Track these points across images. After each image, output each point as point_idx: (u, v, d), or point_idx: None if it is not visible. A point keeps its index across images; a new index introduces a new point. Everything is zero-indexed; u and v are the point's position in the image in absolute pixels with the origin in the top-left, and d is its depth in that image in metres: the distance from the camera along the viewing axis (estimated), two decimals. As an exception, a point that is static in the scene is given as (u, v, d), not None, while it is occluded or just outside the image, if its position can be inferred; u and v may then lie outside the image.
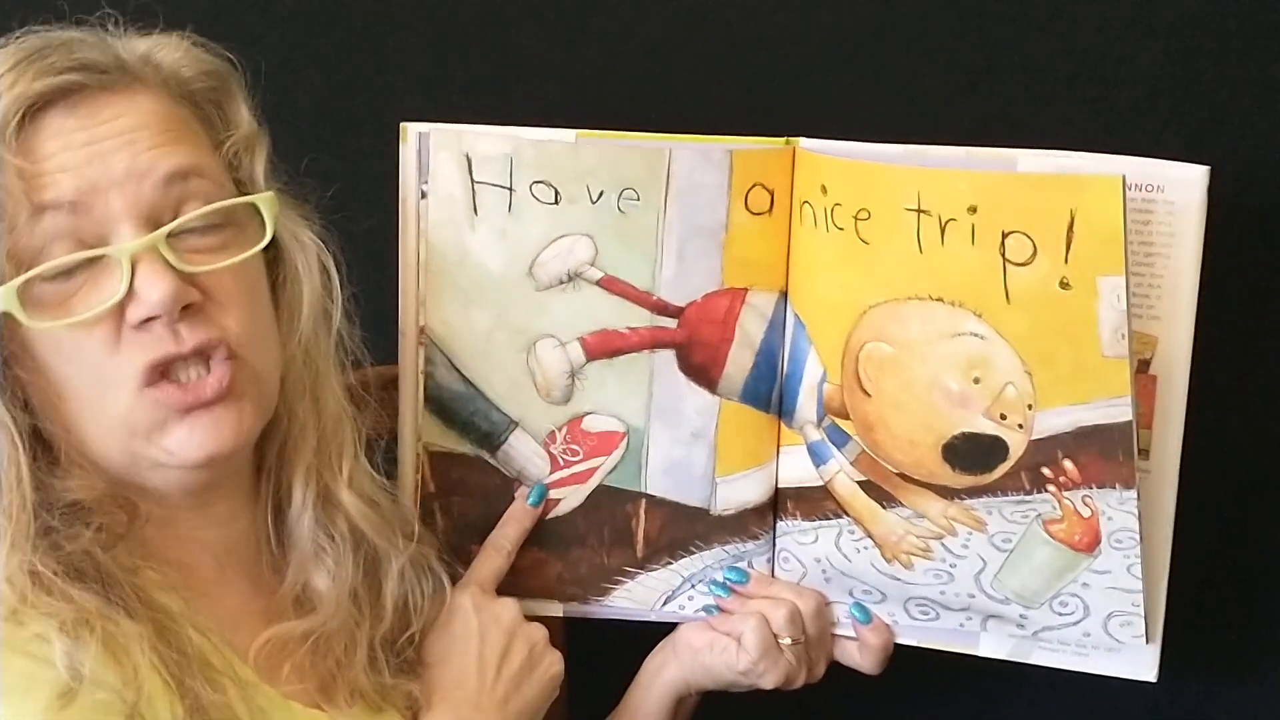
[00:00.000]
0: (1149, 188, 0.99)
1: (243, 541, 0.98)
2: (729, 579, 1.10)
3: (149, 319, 0.87)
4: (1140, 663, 1.08)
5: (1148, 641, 1.06)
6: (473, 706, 1.00)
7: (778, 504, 1.10)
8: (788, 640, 1.07)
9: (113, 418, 0.89)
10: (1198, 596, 1.13)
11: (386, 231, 1.05)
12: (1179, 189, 0.99)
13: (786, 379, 1.07)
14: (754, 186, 1.02)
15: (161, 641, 0.87)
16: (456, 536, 1.10)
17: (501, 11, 1.20)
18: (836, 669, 1.11)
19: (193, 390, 0.89)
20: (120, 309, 0.87)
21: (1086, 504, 1.01)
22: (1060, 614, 1.06)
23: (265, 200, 0.93)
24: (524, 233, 1.04)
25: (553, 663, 1.04)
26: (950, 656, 1.10)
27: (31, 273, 0.86)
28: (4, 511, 0.86)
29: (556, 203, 1.03)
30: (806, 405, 1.06)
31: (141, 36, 0.94)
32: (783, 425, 1.08)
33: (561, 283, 1.05)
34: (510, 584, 1.10)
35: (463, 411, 1.08)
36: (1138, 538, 1.01)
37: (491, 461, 1.09)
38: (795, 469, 1.08)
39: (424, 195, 1.03)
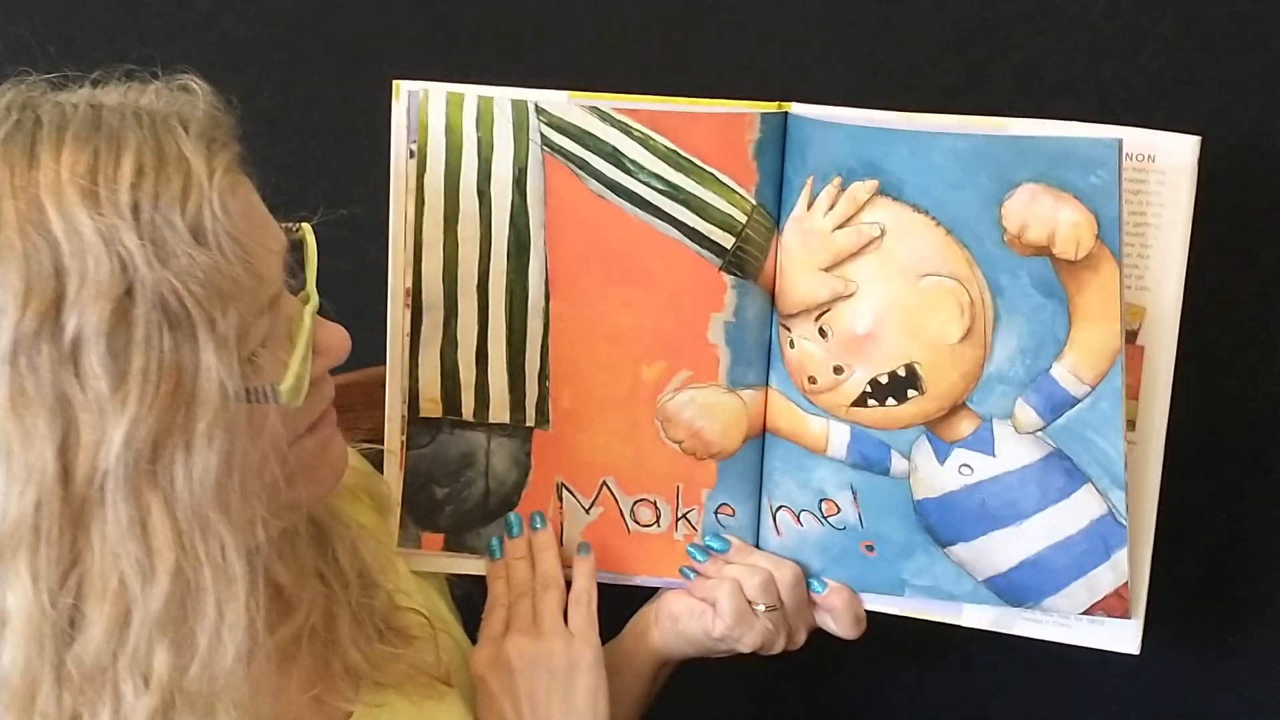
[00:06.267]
0: (1141, 157, 0.99)
1: None
2: (710, 545, 1.09)
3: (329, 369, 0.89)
4: (1124, 636, 1.05)
5: (1130, 616, 1.03)
6: None
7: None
8: (762, 607, 1.06)
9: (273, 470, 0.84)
10: (1181, 569, 1.12)
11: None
12: (1170, 158, 0.98)
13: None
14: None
15: None
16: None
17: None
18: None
19: (332, 416, 0.91)
20: None
21: None
22: None
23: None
24: (510, 191, 1.03)
25: None
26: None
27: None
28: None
29: (544, 160, 1.03)
30: None
31: (143, 84, 0.84)
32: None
33: (547, 242, 1.05)
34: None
35: (446, 378, 1.08)
36: None
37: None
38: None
39: (412, 154, 1.03)
